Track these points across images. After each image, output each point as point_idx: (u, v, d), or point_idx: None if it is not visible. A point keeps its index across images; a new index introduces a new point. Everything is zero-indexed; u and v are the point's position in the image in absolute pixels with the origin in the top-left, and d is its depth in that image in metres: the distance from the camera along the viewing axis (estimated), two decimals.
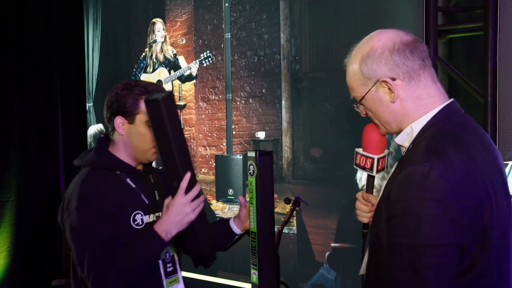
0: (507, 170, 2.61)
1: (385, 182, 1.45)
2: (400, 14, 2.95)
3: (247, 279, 3.54)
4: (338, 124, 3.17)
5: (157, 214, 1.87)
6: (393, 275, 1.24)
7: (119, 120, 1.81)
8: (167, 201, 1.72)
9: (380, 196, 1.40)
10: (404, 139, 1.39)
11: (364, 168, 1.52)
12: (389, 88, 1.35)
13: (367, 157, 1.50)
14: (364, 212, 1.57)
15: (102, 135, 1.92)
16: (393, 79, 1.34)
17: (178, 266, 1.92)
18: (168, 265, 1.87)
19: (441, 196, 1.19)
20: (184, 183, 1.69)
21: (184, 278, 1.97)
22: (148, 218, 1.84)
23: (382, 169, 1.52)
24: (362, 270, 1.60)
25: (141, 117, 1.79)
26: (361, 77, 1.38)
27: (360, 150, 1.53)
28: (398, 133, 1.44)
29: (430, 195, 1.19)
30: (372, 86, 1.36)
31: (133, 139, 1.82)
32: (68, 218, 1.73)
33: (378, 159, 1.50)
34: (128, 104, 1.79)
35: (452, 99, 1.40)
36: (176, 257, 1.91)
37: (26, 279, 4.46)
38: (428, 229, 1.19)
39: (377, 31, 1.41)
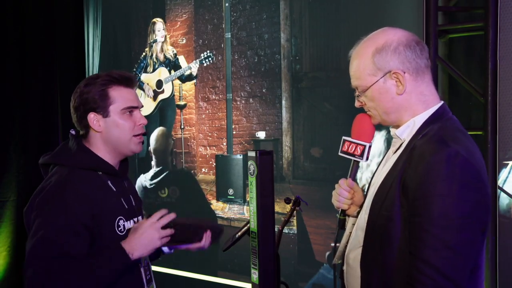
0: (507, 169, 2.61)
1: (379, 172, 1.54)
2: (400, 14, 2.95)
3: (247, 279, 3.54)
4: (338, 123, 3.17)
5: (135, 219, 1.79)
6: (422, 253, 1.28)
7: (92, 117, 1.69)
8: (136, 224, 1.67)
9: (381, 183, 1.45)
10: (404, 132, 1.46)
11: (352, 155, 1.56)
12: (398, 81, 1.42)
13: (358, 144, 1.55)
14: (346, 198, 1.60)
15: (73, 131, 1.78)
16: (403, 73, 1.42)
17: (152, 275, 1.86)
18: (147, 273, 1.80)
19: (470, 177, 1.28)
20: (158, 213, 1.67)
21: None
22: (128, 224, 1.74)
23: (367, 158, 1.57)
24: (337, 258, 1.62)
25: (115, 107, 1.69)
26: (372, 67, 1.44)
27: (348, 138, 1.58)
28: (388, 125, 1.53)
29: (459, 175, 1.28)
30: (381, 77, 1.43)
31: (113, 132, 1.70)
32: (39, 218, 1.59)
33: (369, 146, 1.55)
34: (97, 98, 1.67)
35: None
36: (150, 265, 1.84)
37: None
38: (459, 207, 1.26)
39: (386, 28, 1.48)
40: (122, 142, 1.72)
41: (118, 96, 1.70)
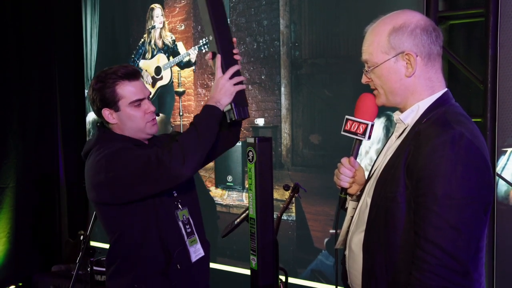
0: (506, 156, 2.61)
1: (381, 157, 1.56)
2: (400, 0, 2.92)
3: (246, 265, 3.56)
4: (337, 110, 3.16)
5: None
6: (426, 232, 1.31)
7: (106, 112, 1.89)
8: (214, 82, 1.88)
9: (385, 165, 1.47)
10: (408, 116, 1.48)
11: (355, 134, 1.58)
12: (409, 62, 1.43)
13: (360, 123, 1.57)
14: (348, 176, 1.61)
15: (98, 123, 2.00)
16: (416, 56, 1.43)
17: (194, 229, 2.02)
18: (187, 227, 1.98)
19: (474, 157, 1.31)
20: (217, 65, 1.85)
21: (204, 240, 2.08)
22: None
23: (369, 137, 1.58)
24: (339, 243, 1.64)
25: (124, 102, 1.88)
26: (386, 45, 1.45)
27: (351, 117, 1.59)
28: (392, 108, 1.54)
29: (464, 156, 1.30)
30: (393, 56, 1.44)
31: (127, 123, 1.90)
32: (112, 172, 1.78)
33: (372, 125, 1.56)
34: (107, 95, 1.87)
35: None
36: (191, 220, 2.01)
37: (26, 265, 4.48)
38: (463, 187, 1.29)
39: (406, 9, 1.50)
40: (137, 129, 1.92)
41: (125, 91, 1.88)
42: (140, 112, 1.90)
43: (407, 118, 1.48)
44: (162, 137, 2.13)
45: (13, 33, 4.45)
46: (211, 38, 1.86)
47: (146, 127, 1.92)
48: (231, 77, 1.85)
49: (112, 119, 1.90)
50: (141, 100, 1.90)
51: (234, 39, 1.90)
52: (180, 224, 1.96)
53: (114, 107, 1.88)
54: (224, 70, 1.85)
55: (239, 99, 1.87)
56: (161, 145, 2.02)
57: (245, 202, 3.65)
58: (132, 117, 1.89)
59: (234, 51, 1.88)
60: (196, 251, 2.00)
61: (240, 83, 1.87)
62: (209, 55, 1.88)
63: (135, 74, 1.91)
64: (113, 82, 1.86)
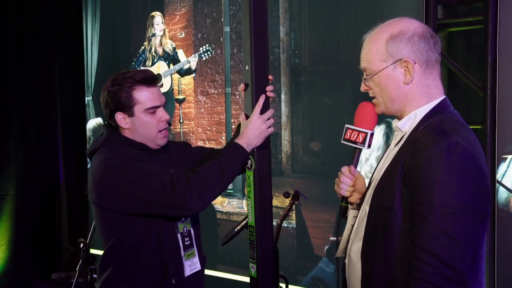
0: (506, 163, 2.61)
1: (380, 164, 1.56)
2: (400, 7, 2.93)
3: (246, 273, 3.55)
4: (337, 117, 3.16)
5: None
6: (422, 241, 1.30)
7: (119, 116, 1.84)
8: (243, 120, 1.88)
9: (383, 173, 1.46)
10: (406, 124, 1.48)
11: (354, 143, 1.58)
12: (407, 70, 1.44)
13: (360, 131, 1.57)
14: (348, 185, 1.61)
15: (106, 122, 1.94)
16: (414, 63, 1.43)
17: (194, 241, 1.97)
18: (186, 239, 1.92)
19: (470, 166, 1.31)
20: (260, 103, 1.81)
21: (203, 253, 2.04)
22: None
23: (369, 146, 1.57)
24: (340, 252, 1.63)
25: (139, 107, 1.82)
26: (384, 53, 1.45)
27: (351, 126, 1.59)
28: (392, 116, 1.54)
29: (459, 165, 1.29)
30: (391, 64, 1.44)
31: (139, 129, 1.85)
32: (123, 182, 1.73)
33: (371, 134, 1.56)
34: (123, 99, 1.81)
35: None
36: (192, 232, 1.96)
37: (25, 272, 4.47)
38: (459, 196, 1.29)
39: (404, 17, 1.50)
40: (148, 137, 1.87)
41: (142, 97, 1.83)
42: (154, 120, 1.85)
43: (405, 125, 1.48)
44: (171, 145, 2.07)
45: (13, 33, 4.46)
46: (247, 68, 1.82)
47: (157, 137, 1.87)
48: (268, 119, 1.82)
49: (125, 124, 1.85)
50: (157, 107, 1.85)
51: (270, 77, 1.87)
52: (179, 236, 1.90)
53: (128, 111, 1.83)
54: (262, 110, 1.81)
55: (264, 142, 1.84)
56: (170, 154, 1.98)
57: (245, 209, 3.65)
58: (146, 124, 1.84)
59: (268, 88, 1.84)
60: (192, 265, 1.94)
61: (271, 126, 1.85)
62: (243, 86, 1.85)
63: (153, 80, 1.87)
64: (130, 86, 1.81)
